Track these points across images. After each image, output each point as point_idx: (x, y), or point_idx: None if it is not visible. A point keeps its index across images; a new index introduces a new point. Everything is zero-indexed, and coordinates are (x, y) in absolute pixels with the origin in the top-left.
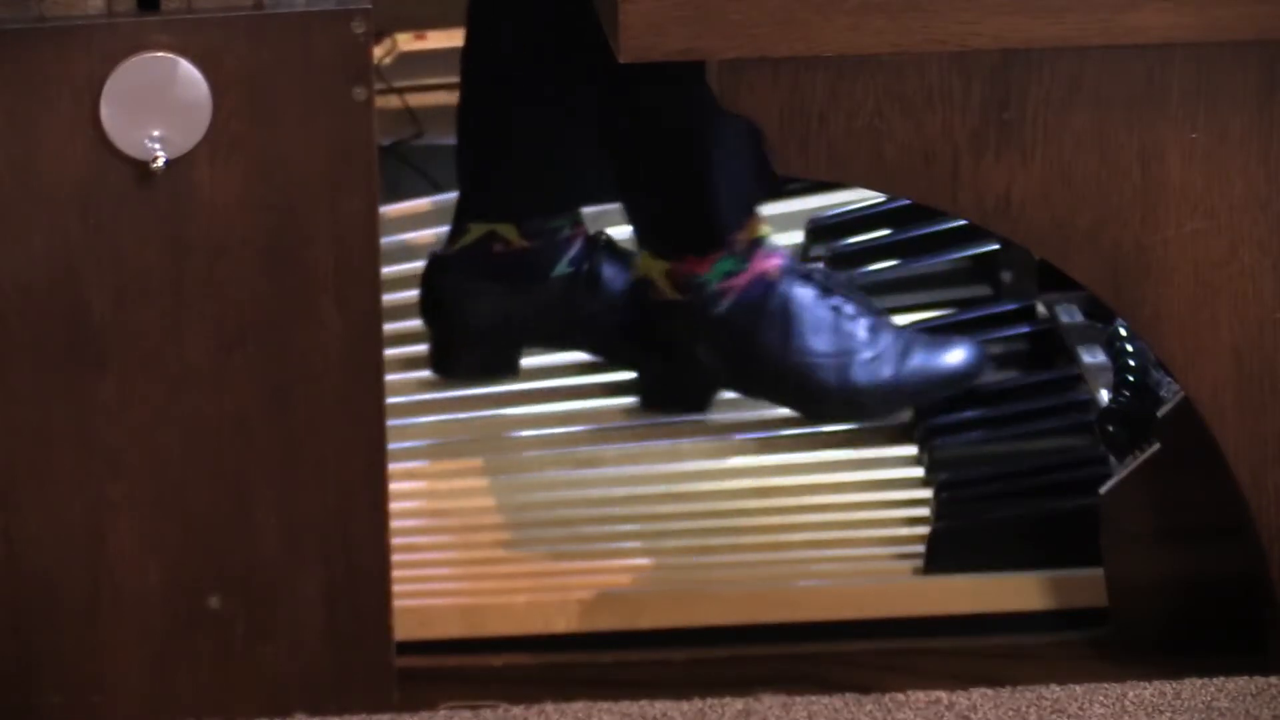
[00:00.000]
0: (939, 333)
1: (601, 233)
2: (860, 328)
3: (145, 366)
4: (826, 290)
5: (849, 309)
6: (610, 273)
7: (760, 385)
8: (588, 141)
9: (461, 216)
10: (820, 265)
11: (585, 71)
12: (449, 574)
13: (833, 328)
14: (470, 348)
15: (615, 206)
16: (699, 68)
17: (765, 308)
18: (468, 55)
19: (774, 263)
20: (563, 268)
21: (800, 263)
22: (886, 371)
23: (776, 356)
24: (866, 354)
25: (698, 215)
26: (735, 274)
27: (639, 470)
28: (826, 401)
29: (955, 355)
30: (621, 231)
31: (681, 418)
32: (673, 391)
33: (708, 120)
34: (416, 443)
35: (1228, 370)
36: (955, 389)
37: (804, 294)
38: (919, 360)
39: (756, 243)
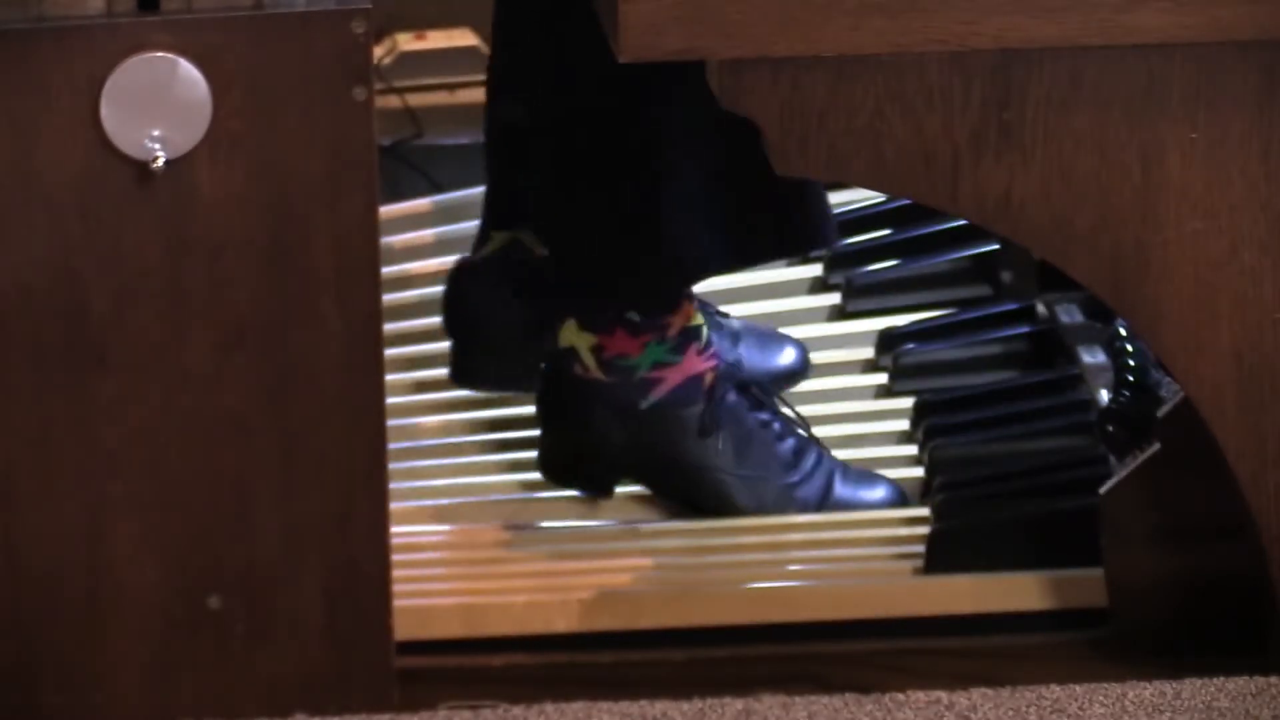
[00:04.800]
0: (863, 472)
1: (724, 362)
2: (786, 449)
3: (145, 366)
4: (757, 404)
5: (776, 426)
6: (740, 413)
7: (670, 488)
8: None
9: (486, 224)
10: (749, 379)
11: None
12: (449, 574)
13: (759, 445)
14: (491, 357)
15: None
16: (667, 92)
17: (694, 412)
18: (492, 56)
19: (710, 364)
20: None
21: (736, 369)
22: (805, 498)
23: (695, 466)
24: (788, 478)
25: (636, 280)
26: (666, 365)
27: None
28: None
29: (876, 493)
30: None
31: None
32: (579, 470)
33: (660, 171)
34: (416, 443)
35: (1228, 370)
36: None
37: (735, 405)
38: (841, 493)
39: (691, 332)
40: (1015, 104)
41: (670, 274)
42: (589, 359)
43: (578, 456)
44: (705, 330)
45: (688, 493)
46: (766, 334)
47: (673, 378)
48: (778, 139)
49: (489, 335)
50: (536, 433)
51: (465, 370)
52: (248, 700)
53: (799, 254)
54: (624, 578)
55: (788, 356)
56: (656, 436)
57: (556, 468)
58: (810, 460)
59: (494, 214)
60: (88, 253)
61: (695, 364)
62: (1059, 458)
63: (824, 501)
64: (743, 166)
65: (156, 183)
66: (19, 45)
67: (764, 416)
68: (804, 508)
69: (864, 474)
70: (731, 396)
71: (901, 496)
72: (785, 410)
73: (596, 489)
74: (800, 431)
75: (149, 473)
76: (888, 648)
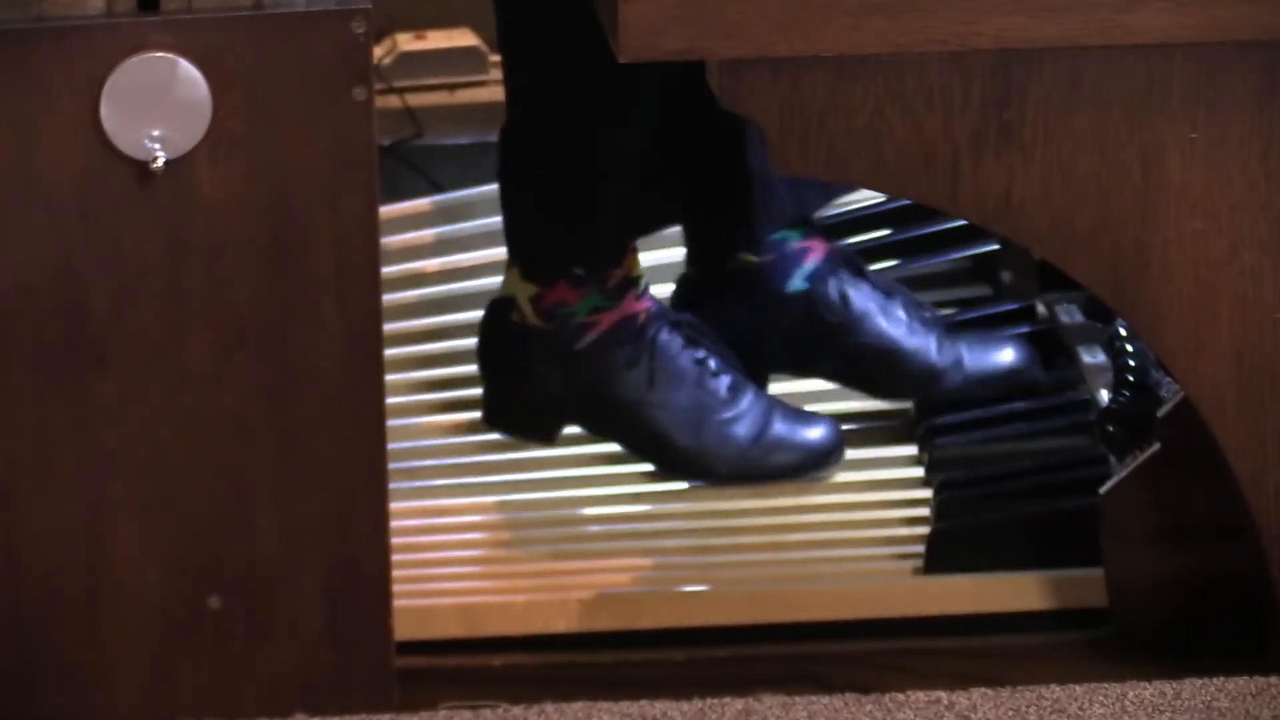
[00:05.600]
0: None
1: (659, 304)
2: (721, 385)
3: (145, 366)
4: (692, 342)
5: (713, 364)
6: (673, 349)
7: (609, 427)
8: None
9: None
10: (689, 316)
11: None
12: (449, 574)
13: (694, 381)
14: (518, 410)
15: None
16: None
17: (627, 350)
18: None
19: (644, 305)
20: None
21: (670, 310)
22: (741, 434)
23: (630, 402)
24: (723, 414)
25: (583, 236)
26: (602, 309)
27: (639, 470)
28: (672, 456)
29: (814, 432)
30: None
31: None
32: (521, 418)
33: (609, 132)
34: (416, 443)
35: (1228, 370)
36: (810, 469)
37: (669, 343)
38: (778, 430)
39: (631, 282)
40: (1015, 104)
41: (616, 234)
42: (526, 307)
43: (519, 404)
44: (643, 280)
45: (626, 432)
46: (796, 412)
47: (606, 320)
48: (778, 139)
49: (524, 386)
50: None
51: (498, 417)
52: (248, 700)
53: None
54: (624, 578)
55: (815, 433)
56: (592, 376)
57: (500, 417)
58: (746, 398)
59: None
60: (88, 253)
61: (631, 306)
62: (1059, 458)
63: (760, 438)
64: (681, 125)
65: (156, 183)
66: (19, 45)
67: (698, 354)
68: (740, 444)
69: (802, 414)
70: (664, 334)
71: (840, 438)
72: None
73: (540, 436)
74: (737, 370)
75: (149, 473)
76: (888, 648)
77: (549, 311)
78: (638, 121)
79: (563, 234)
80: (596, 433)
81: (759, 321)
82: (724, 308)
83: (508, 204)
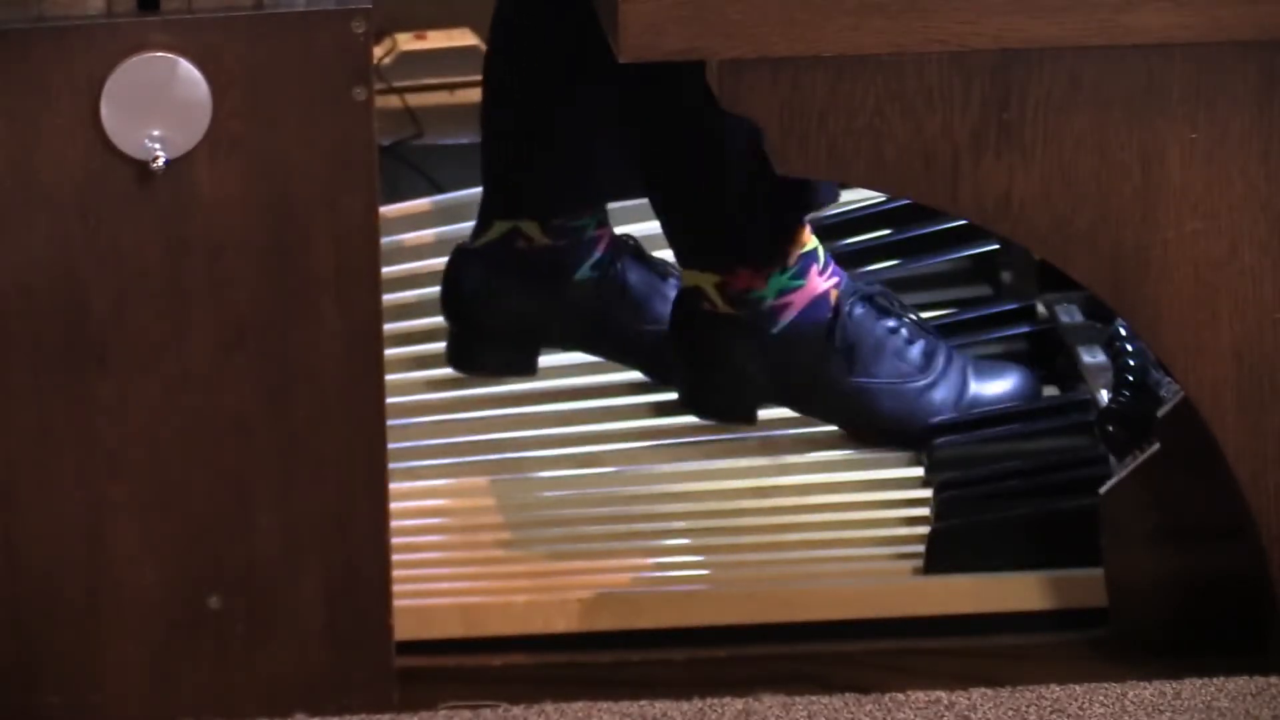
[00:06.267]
0: (989, 359)
1: (628, 236)
2: (916, 352)
3: (145, 366)
4: (883, 311)
5: (905, 332)
6: (636, 278)
7: (815, 406)
8: (610, 139)
9: (486, 212)
10: (878, 286)
11: (607, 69)
12: (449, 574)
13: (892, 353)
14: (490, 345)
15: (641, 204)
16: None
17: (824, 330)
18: (491, 53)
19: (833, 281)
20: (586, 271)
21: (857, 282)
22: (942, 398)
23: (833, 380)
24: (923, 380)
25: (750, 228)
26: (791, 290)
27: (639, 470)
28: (881, 427)
29: (1008, 382)
30: (646, 229)
31: (731, 431)
32: (721, 402)
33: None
34: (416, 443)
35: (1228, 370)
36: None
37: (863, 316)
38: (975, 387)
39: (810, 255)
40: (1015, 104)
41: (783, 223)
42: (715, 296)
43: (718, 390)
44: (821, 250)
45: (830, 410)
46: (988, 365)
47: (799, 300)
48: (778, 139)
49: (487, 321)
50: (538, 433)
51: (463, 356)
52: (248, 700)
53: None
54: (624, 578)
55: (1008, 384)
56: (791, 359)
57: (701, 403)
58: (941, 359)
59: (495, 204)
60: (88, 253)
61: (817, 284)
62: (1059, 458)
63: (960, 399)
64: None
65: (156, 183)
66: (19, 45)
67: (891, 324)
68: (943, 407)
69: (994, 365)
70: (858, 309)
71: (1033, 381)
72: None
73: (741, 417)
74: (929, 333)
75: (149, 473)
76: (888, 648)
77: (739, 298)
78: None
79: (739, 237)
80: (800, 411)
81: (546, 304)
82: (507, 284)
83: (664, 206)
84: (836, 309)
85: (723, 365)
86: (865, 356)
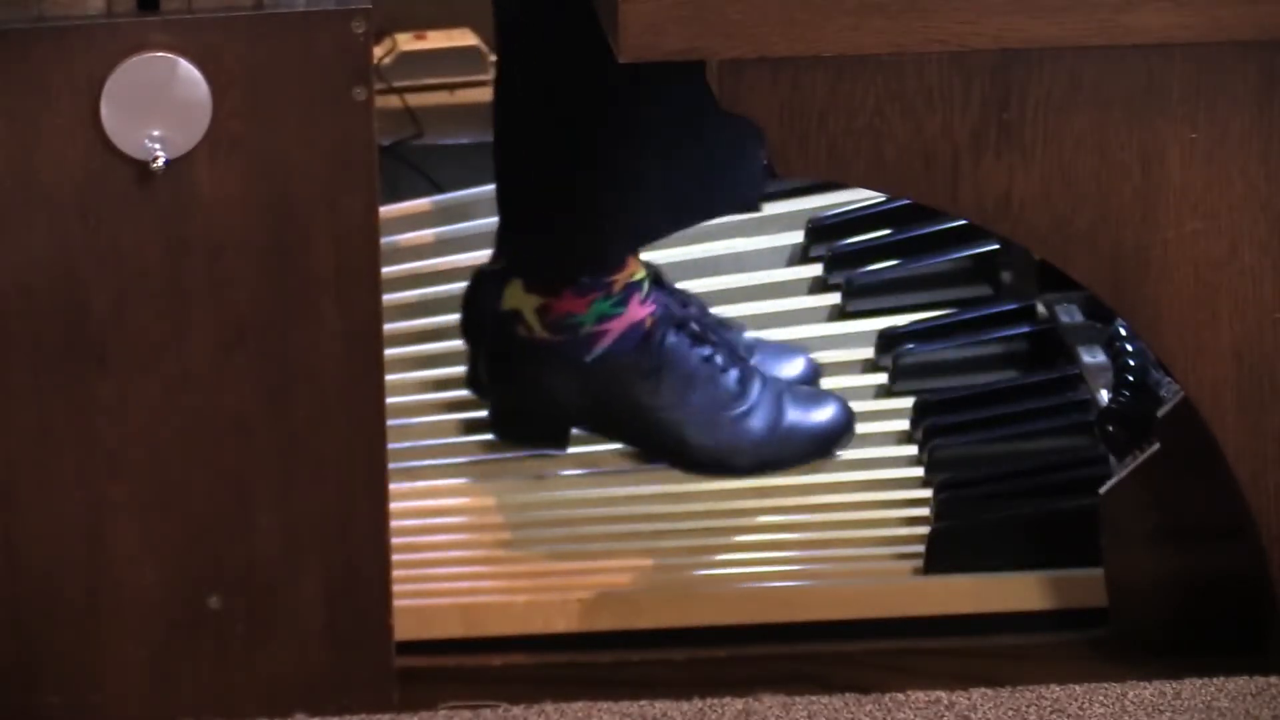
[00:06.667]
0: (808, 387)
1: (662, 305)
2: (731, 380)
3: (145, 366)
4: (699, 340)
5: (719, 360)
6: (682, 351)
7: (625, 434)
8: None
9: (502, 239)
10: (692, 309)
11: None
12: (449, 574)
13: (705, 380)
14: (536, 418)
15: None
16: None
17: (638, 358)
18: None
19: (649, 309)
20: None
21: (674, 308)
22: (756, 427)
23: (645, 408)
24: (737, 409)
25: (588, 245)
26: (611, 318)
27: (638, 470)
28: (694, 456)
29: (825, 413)
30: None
31: (537, 452)
32: (530, 429)
33: (613, 137)
34: (416, 443)
35: (1228, 370)
36: (823, 451)
37: (678, 345)
38: (791, 416)
39: (634, 285)
40: (1015, 104)
41: (620, 241)
42: (533, 320)
43: (529, 415)
44: (646, 281)
45: (641, 437)
46: (776, 346)
47: (616, 328)
48: (778, 139)
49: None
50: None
51: (509, 428)
52: (248, 700)
53: (731, 214)
54: (624, 578)
55: (796, 367)
56: (605, 386)
57: (509, 429)
58: (755, 388)
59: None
60: (88, 253)
61: (637, 312)
62: (1059, 458)
63: (776, 428)
64: (684, 134)
65: (156, 183)
66: (19, 45)
67: (705, 352)
68: (757, 437)
69: (812, 393)
70: (671, 337)
71: (849, 414)
72: (724, 333)
73: (550, 444)
74: (743, 361)
75: (149, 473)
76: (888, 648)
77: (557, 323)
78: (639, 122)
79: (567, 241)
80: (611, 439)
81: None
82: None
83: (507, 213)
84: (649, 336)
85: (535, 392)
86: (678, 386)
